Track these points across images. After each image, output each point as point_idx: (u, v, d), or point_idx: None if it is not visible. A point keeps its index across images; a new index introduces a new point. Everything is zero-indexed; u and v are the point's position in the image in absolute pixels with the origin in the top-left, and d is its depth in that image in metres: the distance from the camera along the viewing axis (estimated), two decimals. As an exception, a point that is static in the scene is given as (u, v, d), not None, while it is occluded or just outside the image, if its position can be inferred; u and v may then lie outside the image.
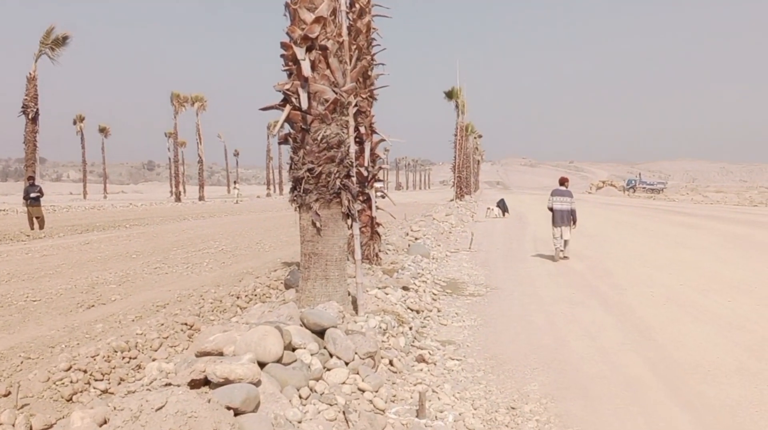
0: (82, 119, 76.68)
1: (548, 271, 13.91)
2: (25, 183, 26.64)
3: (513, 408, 5.62)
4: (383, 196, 12.90)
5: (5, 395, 5.69)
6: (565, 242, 15.34)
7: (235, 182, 70.76)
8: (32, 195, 23.05)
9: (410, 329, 7.83)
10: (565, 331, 8.44)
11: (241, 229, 24.03)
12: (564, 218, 15.21)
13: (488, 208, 34.89)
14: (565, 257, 15.44)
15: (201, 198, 61.61)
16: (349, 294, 7.75)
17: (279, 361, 4.84)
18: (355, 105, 8.19)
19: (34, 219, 22.82)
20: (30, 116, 39.36)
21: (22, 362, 6.64)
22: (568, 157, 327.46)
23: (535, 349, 7.55)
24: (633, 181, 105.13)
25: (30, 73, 38.72)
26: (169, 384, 4.12)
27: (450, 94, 52.04)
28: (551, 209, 15.51)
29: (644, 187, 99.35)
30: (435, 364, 6.88)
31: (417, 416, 5.13)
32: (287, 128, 7.76)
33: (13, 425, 4.99)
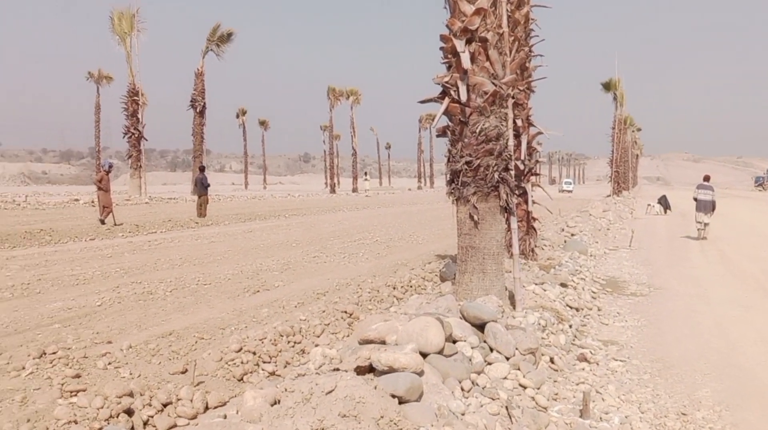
0: (244, 113, 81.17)
1: (716, 271, 13.03)
2: (197, 174, 28.32)
3: (684, 414, 5.31)
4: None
5: (182, 372, 6.07)
6: (706, 224, 19.07)
7: (365, 174, 67.09)
8: (205, 184, 24.25)
9: (570, 326, 7.62)
10: (737, 334, 7.87)
11: (394, 221, 24.43)
12: (705, 206, 19.05)
13: (648, 205, 33.29)
14: (704, 238, 18.79)
15: (354, 190, 63.17)
16: (506, 289, 7.65)
17: (440, 352, 4.86)
18: (513, 97, 8.03)
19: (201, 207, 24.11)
20: (198, 110, 42.29)
21: (196, 342, 7.08)
22: (735, 152, 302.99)
23: (705, 353, 7.09)
24: (761, 178, 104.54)
25: (198, 69, 41.58)
26: (337, 369, 4.26)
27: (607, 86, 49.93)
28: (696, 199, 19.38)
29: None
30: (597, 364, 6.64)
31: (581, 416, 4.97)
32: (445, 121, 7.77)
33: (191, 401, 5.35)
